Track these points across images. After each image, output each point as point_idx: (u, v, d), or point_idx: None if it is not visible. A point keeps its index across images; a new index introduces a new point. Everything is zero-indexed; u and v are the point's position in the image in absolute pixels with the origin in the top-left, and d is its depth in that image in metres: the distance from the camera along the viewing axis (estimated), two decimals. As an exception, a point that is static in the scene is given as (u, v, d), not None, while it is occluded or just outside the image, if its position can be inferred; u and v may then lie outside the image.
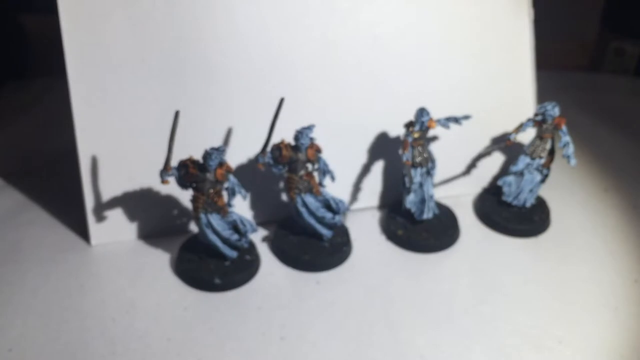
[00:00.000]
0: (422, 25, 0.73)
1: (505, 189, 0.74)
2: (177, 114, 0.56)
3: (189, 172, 0.58)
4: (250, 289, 0.63)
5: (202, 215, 0.60)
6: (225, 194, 0.61)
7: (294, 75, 0.70)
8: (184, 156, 0.59)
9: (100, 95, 0.66)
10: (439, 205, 0.73)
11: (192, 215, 0.70)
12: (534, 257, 0.69)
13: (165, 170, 0.58)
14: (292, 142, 0.62)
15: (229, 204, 0.61)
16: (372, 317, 0.59)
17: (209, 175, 0.58)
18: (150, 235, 0.71)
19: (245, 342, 0.56)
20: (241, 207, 0.71)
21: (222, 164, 0.59)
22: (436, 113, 0.67)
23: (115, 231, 0.70)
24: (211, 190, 0.59)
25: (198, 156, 0.59)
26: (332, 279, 0.65)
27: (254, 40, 0.68)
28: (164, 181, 0.58)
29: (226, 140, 0.70)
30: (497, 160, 0.80)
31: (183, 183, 0.59)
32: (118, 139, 0.67)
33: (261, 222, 0.73)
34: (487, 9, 0.74)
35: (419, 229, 0.70)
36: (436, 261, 0.68)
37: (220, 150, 0.57)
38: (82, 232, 0.71)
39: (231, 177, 0.60)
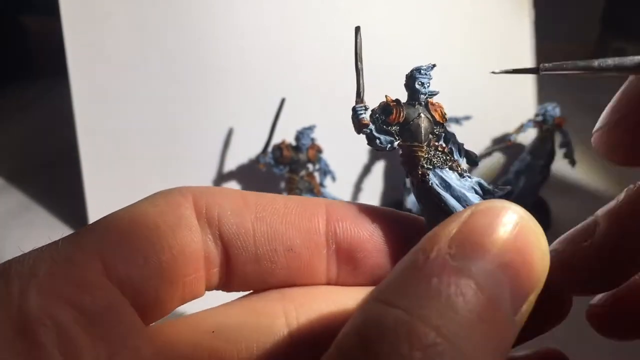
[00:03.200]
0: (423, 25, 0.73)
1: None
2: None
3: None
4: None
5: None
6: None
7: (294, 75, 0.70)
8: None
9: (101, 96, 0.66)
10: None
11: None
12: (534, 257, 0.69)
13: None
14: (293, 143, 0.63)
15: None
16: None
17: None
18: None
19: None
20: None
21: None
22: (437, 113, 0.67)
23: (116, 231, 0.70)
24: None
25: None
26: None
27: (255, 41, 0.68)
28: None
29: (227, 141, 0.70)
30: (498, 160, 0.80)
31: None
32: (119, 138, 0.67)
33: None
34: (487, 9, 0.74)
35: (419, 229, 0.70)
36: (437, 261, 0.68)
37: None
38: (83, 232, 0.71)
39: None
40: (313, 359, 0.23)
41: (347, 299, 0.25)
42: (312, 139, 0.63)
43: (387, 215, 0.26)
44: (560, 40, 1.21)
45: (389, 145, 0.28)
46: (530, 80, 0.78)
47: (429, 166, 0.27)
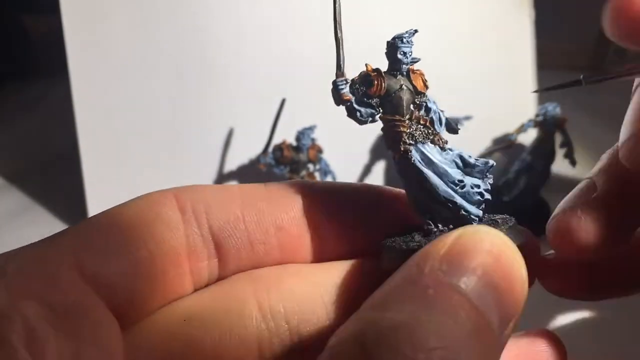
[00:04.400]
0: (423, 25, 0.73)
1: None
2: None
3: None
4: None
5: None
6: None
7: (295, 75, 0.70)
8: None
9: (102, 95, 0.66)
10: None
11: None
12: (535, 257, 0.69)
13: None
14: (294, 143, 0.63)
15: None
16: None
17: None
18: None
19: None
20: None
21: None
22: (437, 113, 0.68)
23: (116, 231, 0.70)
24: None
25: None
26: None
27: (255, 41, 0.68)
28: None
29: (227, 141, 0.70)
30: (497, 160, 0.80)
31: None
32: (119, 138, 0.67)
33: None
34: (487, 9, 0.74)
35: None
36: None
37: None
38: (84, 232, 0.71)
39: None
40: (289, 339, 0.23)
41: (319, 274, 0.25)
42: (313, 139, 0.63)
43: (366, 191, 0.28)
44: (560, 40, 1.20)
45: (370, 119, 0.28)
46: (530, 80, 0.78)
47: (411, 142, 0.27)
